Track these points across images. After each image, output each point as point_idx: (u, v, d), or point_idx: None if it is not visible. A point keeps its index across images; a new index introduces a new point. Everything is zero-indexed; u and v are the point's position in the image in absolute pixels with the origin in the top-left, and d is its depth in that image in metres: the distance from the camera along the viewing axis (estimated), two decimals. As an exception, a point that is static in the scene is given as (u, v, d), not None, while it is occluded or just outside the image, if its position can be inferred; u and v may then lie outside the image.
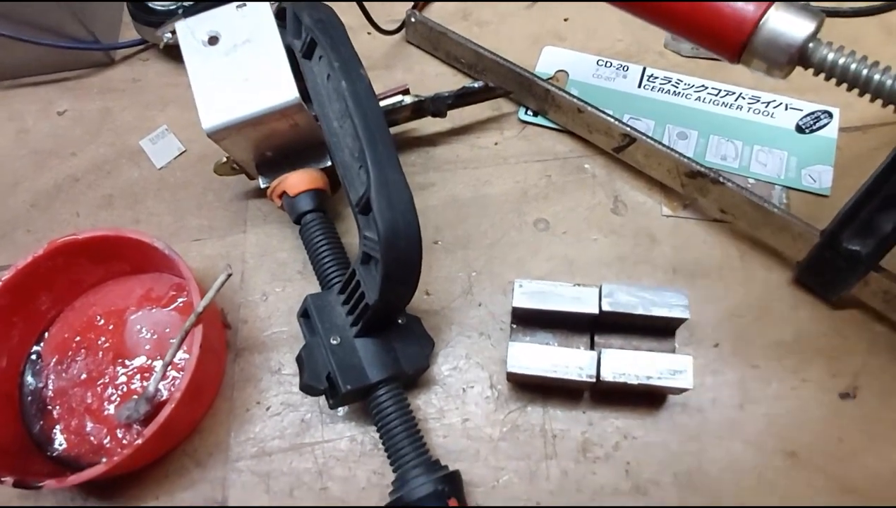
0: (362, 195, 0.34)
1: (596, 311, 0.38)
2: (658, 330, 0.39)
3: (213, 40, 0.40)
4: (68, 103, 0.56)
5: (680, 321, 0.38)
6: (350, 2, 0.50)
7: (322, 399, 0.42)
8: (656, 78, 0.52)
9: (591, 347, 0.40)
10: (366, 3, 0.51)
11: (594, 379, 0.37)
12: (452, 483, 0.35)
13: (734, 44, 0.34)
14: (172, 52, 0.57)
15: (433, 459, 0.37)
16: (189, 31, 0.40)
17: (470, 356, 0.43)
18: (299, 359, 0.38)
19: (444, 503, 0.34)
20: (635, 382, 0.36)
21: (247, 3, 0.40)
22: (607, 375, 0.37)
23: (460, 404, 0.42)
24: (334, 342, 0.38)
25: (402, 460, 0.36)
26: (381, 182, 0.33)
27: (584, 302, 0.38)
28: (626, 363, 0.37)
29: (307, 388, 0.38)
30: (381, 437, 0.37)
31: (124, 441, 0.41)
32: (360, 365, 0.37)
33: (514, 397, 0.42)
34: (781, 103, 0.50)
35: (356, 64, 0.36)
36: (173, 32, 0.50)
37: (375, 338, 0.38)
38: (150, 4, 0.53)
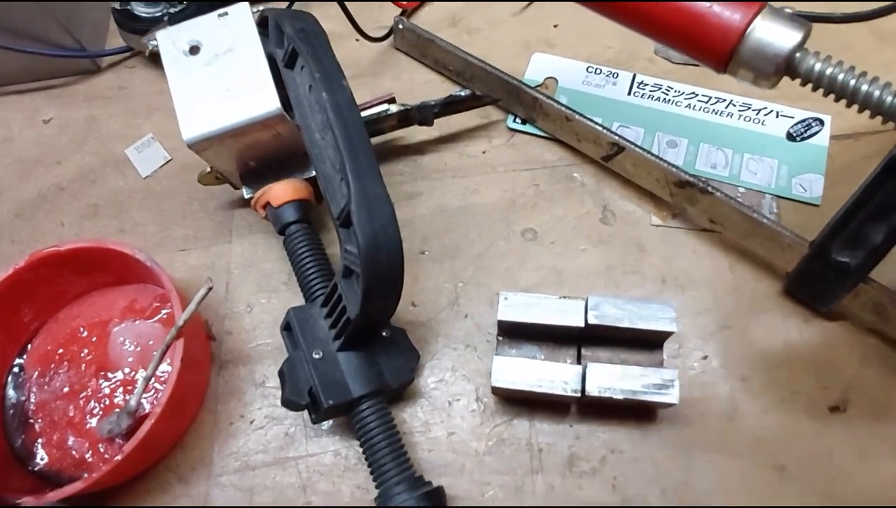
0: (343, 208, 0.34)
1: (582, 324, 0.37)
2: (645, 342, 0.39)
3: (194, 50, 0.39)
4: (54, 111, 0.56)
5: (667, 334, 0.37)
6: (331, 1, 0.50)
7: (306, 413, 0.41)
8: (646, 85, 0.51)
9: (578, 360, 0.39)
10: (355, 5, 0.51)
11: (579, 394, 0.36)
12: (436, 499, 0.35)
13: (720, 53, 0.34)
14: (158, 60, 0.55)
15: (417, 475, 0.36)
16: (170, 41, 0.39)
17: (456, 368, 0.43)
18: (281, 374, 0.38)
19: (427, 520, 0.34)
20: (621, 397, 0.36)
21: (229, 12, 0.39)
22: (592, 390, 0.36)
23: (446, 417, 0.41)
24: (316, 356, 0.37)
25: (385, 476, 0.35)
26: (361, 194, 0.33)
27: (569, 314, 0.38)
28: (611, 377, 0.36)
29: (289, 403, 0.37)
30: (363, 453, 0.37)
31: (106, 456, 0.41)
32: (343, 380, 0.37)
33: (500, 410, 0.41)
34: (772, 111, 0.49)
35: (338, 75, 0.36)
36: (159, 40, 0.50)
37: (359, 352, 0.38)
38: (136, 12, 0.52)
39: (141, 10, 0.52)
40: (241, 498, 0.40)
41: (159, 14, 0.53)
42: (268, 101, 0.38)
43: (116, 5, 0.53)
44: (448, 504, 0.36)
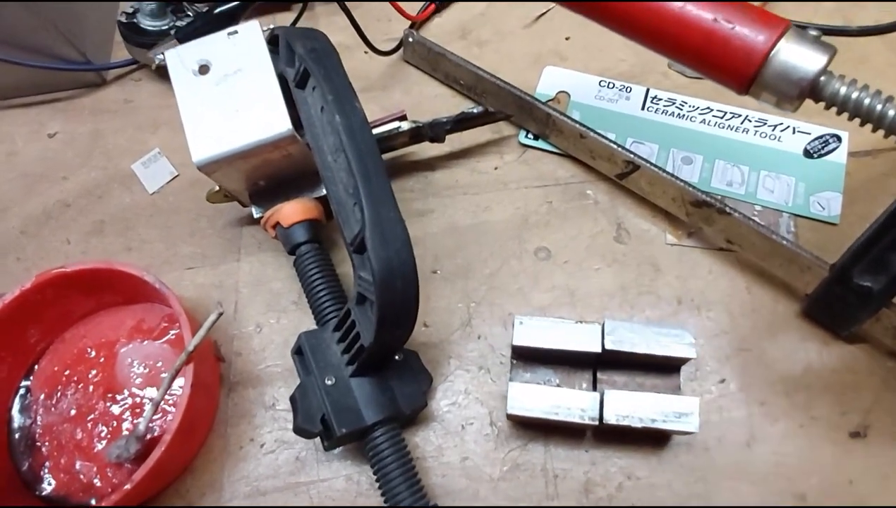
0: (357, 234, 0.33)
1: (598, 350, 0.37)
2: (662, 367, 0.38)
3: (203, 69, 0.39)
4: (59, 125, 0.55)
5: (685, 360, 0.37)
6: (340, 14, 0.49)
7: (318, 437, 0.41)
8: (660, 99, 0.50)
9: (594, 385, 0.39)
10: (364, 18, 0.50)
11: (597, 422, 0.36)
12: (451, 530, 0.34)
13: (743, 76, 0.33)
14: (165, 73, 0.55)
15: (431, 504, 0.35)
16: (179, 60, 0.38)
17: (469, 391, 0.42)
18: (293, 400, 0.37)
19: (442, 552, 0.33)
20: (639, 426, 0.35)
21: (238, 30, 0.39)
22: (610, 418, 0.35)
23: (459, 441, 0.40)
24: (329, 382, 0.36)
25: (398, 504, 0.35)
26: (375, 221, 0.32)
27: (586, 339, 0.37)
28: (629, 405, 0.36)
29: (301, 431, 0.36)
30: (377, 480, 0.36)
31: (115, 480, 0.40)
32: (356, 407, 0.36)
33: (514, 434, 0.40)
34: (789, 127, 0.48)
35: (350, 96, 0.35)
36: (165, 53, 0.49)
37: (372, 378, 0.37)
38: (142, 25, 0.52)
39: (147, 23, 0.52)
40: (252, 524, 0.39)
41: (166, 27, 0.52)
42: (279, 122, 0.37)
43: (122, 18, 0.52)
44: (463, 534, 0.36)
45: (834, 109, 0.34)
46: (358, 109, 0.35)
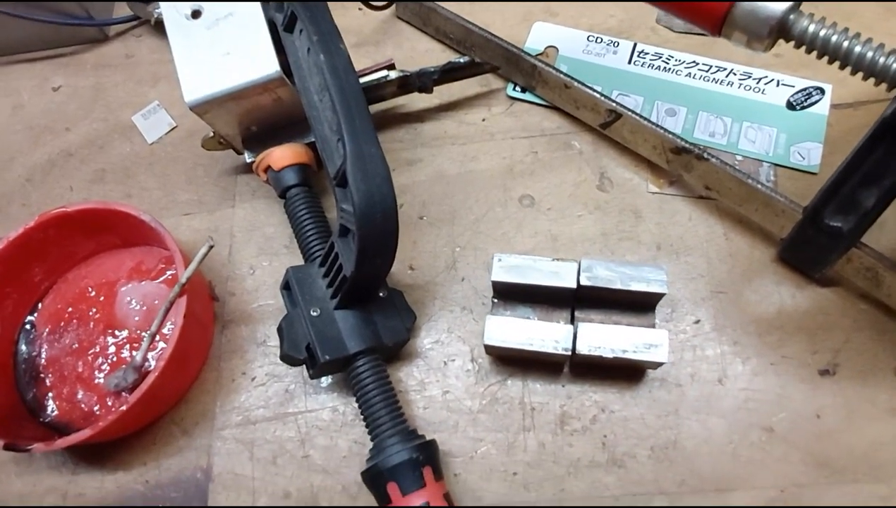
0: (339, 167, 0.34)
1: (574, 286, 0.38)
2: (637, 305, 0.39)
3: (196, 14, 0.40)
4: (63, 79, 0.57)
5: (658, 296, 0.38)
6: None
7: (305, 370, 0.43)
8: (647, 54, 0.51)
9: (572, 321, 0.40)
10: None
11: (570, 352, 0.37)
12: (428, 451, 0.36)
13: (715, 16, 0.34)
14: (164, 29, 0.57)
15: (410, 429, 0.37)
16: (172, 5, 0.40)
17: (452, 330, 0.43)
18: (280, 330, 0.39)
19: (419, 471, 0.35)
20: (610, 356, 0.36)
21: (229, -24, 0.40)
22: (583, 348, 0.37)
23: (441, 377, 0.42)
24: (314, 313, 0.38)
25: (380, 429, 0.37)
26: (357, 155, 0.33)
27: (562, 276, 0.38)
28: (602, 337, 0.37)
29: (286, 358, 0.38)
30: (359, 407, 0.38)
31: (114, 409, 0.42)
32: (340, 337, 0.38)
33: (494, 371, 0.42)
34: (773, 79, 0.49)
35: (336, 38, 0.36)
36: (164, 8, 0.50)
37: (355, 311, 0.39)
38: (142, -20, 0.53)
39: (146, -23, 0.53)
40: (242, 451, 0.41)
41: (165, -18, 0.53)
42: (268, 64, 0.39)
43: (123, -27, 0.53)
44: (441, 459, 0.37)
45: (806, 50, 0.34)
46: (342, 50, 0.36)
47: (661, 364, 0.37)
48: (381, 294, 0.40)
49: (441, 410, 0.41)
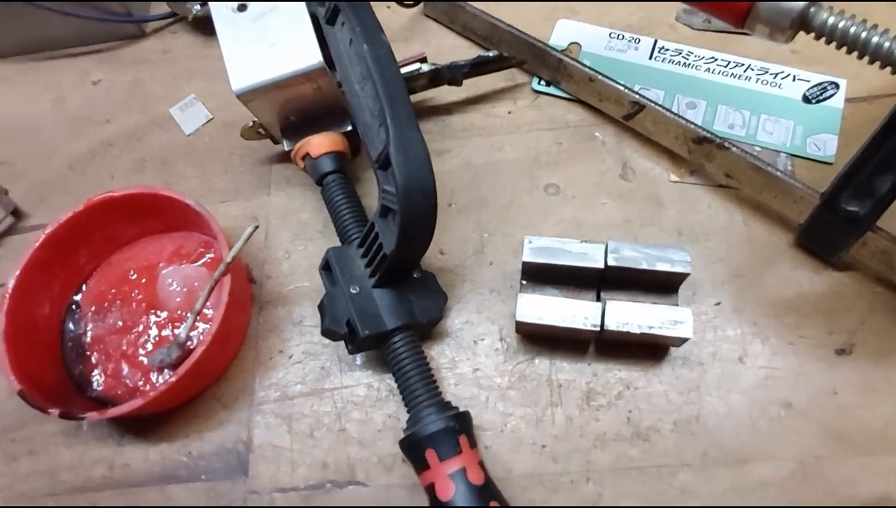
0: (381, 151, 0.36)
1: (601, 266, 0.40)
2: (661, 285, 0.41)
3: (242, 8, 0.42)
4: (102, 74, 0.59)
5: (682, 276, 0.40)
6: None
7: (340, 348, 0.45)
8: (667, 50, 0.53)
9: (598, 301, 0.42)
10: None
11: (598, 329, 0.39)
12: (463, 420, 0.38)
13: (737, 9, 0.36)
14: (200, 25, 0.59)
15: (445, 400, 0.39)
16: (220, -1, 0.42)
17: (481, 311, 0.45)
18: (321, 306, 0.41)
19: (456, 439, 0.36)
20: (637, 331, 0.38)
21: (274, -29, 0.42)
22: (611, 324, 0.39)
23: (471, 355, 0.44)
24: (354, 291, 0.40)
25: (416, 400, 0.38)
26: (399, 139, 0.35)
27: (590, 257, 0.40)
28: (629, 313, 0.39)
29: (328, 333, 0.40)
30: (396, 380, 0.40)
31: (157, 384, 0.44)
32: (378, 313, 0.40)
33: (522, 349, 0.44)
34: (789, 74, 0.51)
35: (377, 29, 0.38)
36: (202, 5, 0.53)
37: (392, 289, 0.41)
38: (181, -22, 0.55)
39: (185, -24, 0.55)
40: (281, 424, 0.43)
41: (202, -20, 0.56)
42: (311, 55, 0.41)
43: (163, -28, 0.56)
44: (473, 429, 0.39)
45: (825, 41, 0.36)
46: (384, 41, 0.38)
47: (685, 339, 0.38)
48: (415, 275, 0.42)
49: (471, 387, 0.43)
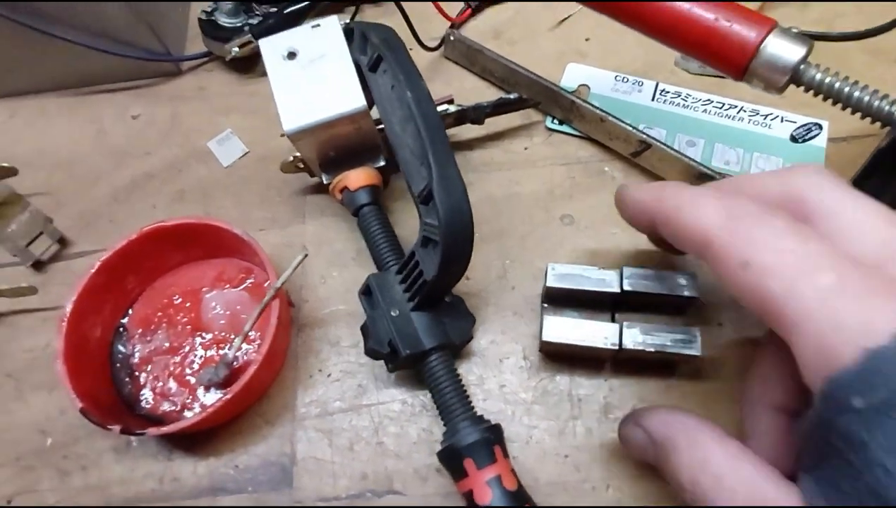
0: (424, 187, 0.40)
1: (618, 290, 0.44)
2: (671, 308, 0.45)
3: (291, 55, 0.46)
4: (141, 108, 0.63)
5: (690, 299, 0.44)
6: (393, 11, 0.57)
7: (376, 367, 0.48)
8: (668, 92, 0.58)
9: (613, 322, 0.46)
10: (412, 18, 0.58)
11: (617, 347, 0.43)
12: (496, 432, 0.41)
13: (738, 65, 0.41)
14: (235, 65, 0.63)
15: (479, 414, 0.43)
16: (271, 47, 0.46)
17: (505, 332, 0.49)
18: (364, 328, 0.44)
19: (491, 448, 0.40)
20: (651, 349, 0.42)
21: (321, 24, 0.47)
22: (629, 344, 0.43)
23: (497, 373, 0.48)
24: (394, 314, 0.44)
25: (453, 414, 0.42)
26: (441, 176, 0.40)
27: (607, 282, 0.44)
28: (643, 334, 0.43)
29: (372, 352, 0.44)
30: (433, 395, 0.44)
31: (204, 402, 0.47)
32: (416, 334, 0.44)
33: (543, 367, 0.48)
34: (777, 116, 0.56)
35: (417, 76, 0.43)
36: (240, 46, 0.57)
37: (428, 313, 0.44)
38: (220, 22, 0.60)
39: (224, 20, 0.60)
40: (322, 438, 0.46)
41: (239, 24, 0.60)
42: (356, 99, 0.45)
43: (203, 16, 0.60)
44: (505, 440, 0.43)
45: (813, 94, 0.41)
46: (424, 86, 0.42)
47: (696, 357, 0.43)
48: (447, 299, 0.46)
49: (499, 401, 0.47)
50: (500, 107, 0.54)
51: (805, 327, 0.24)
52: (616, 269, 0.45)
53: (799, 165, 0.31)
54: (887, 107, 0.39)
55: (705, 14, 0.41)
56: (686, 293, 0.44)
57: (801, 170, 0.31)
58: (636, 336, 0.43)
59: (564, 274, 0.45)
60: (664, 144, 0.51)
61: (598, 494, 0.43)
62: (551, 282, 0.45)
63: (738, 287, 0.28)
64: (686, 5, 0.41)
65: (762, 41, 0.40)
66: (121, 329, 0.51)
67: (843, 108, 0.41)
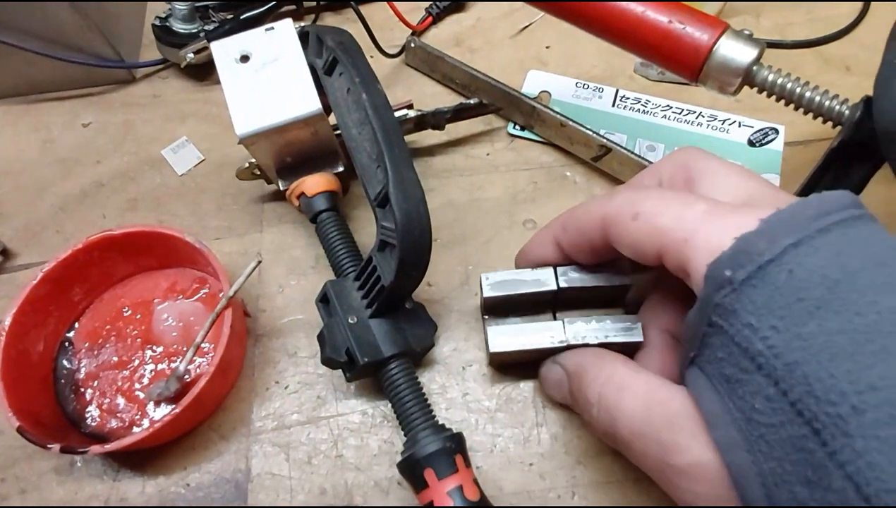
0: (380, 190, 0.40)
1: (555, 288, 0.42)
2: (608, 299, 0.44)
3: (244, 58, 0.45)
4: (92, 116, 0.61)
5: (625, 288, 0.42)
6: (352, 18, 0.56)
7: (335, 377, 0.47)
8: (628, 98, 0.59)
9: (555, 320, 0.44)
10: (371, 25, 0.58)
11: (566, 344, 0.41)
12: (457, 441, 0.40)
13: (692, 67, 0.41)
14: (191, 71, 0.62)
15: (440, 422, 0.41)
16: (223, 50, 0.45)
17: (468, 339, 0.48)
18: (321, 336, 0.43)
19: (452, 458, 0.39)
20: (595, 342, 0.41)
21: (275, 27, 0.46)
22: (572, 339, 0.41)
23: (460, 380, 0.47)
24: (352, 321, 0.42)
25: (413, 423, 0.41)
26: (397, 179, 0.39)
27: (543, 282, 0.42)
28: (585, 327, 0.41)
29: (328, 361, 0.42)
30: (392, 405, 0.42)
31: (154, 418, 0.45)
32: (375, 342, 0.42)
33: (507, 374, 0.47)
34: (735, 121, 0.57)
35: (374, 79, 0.42)
36: (195, 53, 0.56)
37: (387, 319, 0.43)
38: (174, 28, 0.58)
39: (179, 26, 0.58)
40: (279, 453, 0.45)
41: (195, 30, 0.59)
42: (310, 102, 0.44)
43: (157, 22, 0.58)
44: (467, 449, 0.42)
45: (766, 95, 0.42)
46: (380, 89, 0.42)
47: (639, 343, 0.41)
48: (407, 306, 0.45)
49: (461, 410, 0.46)
50: (460, 113, 0.54)
51: (694, 239, 0.29)
52: (550, 267, 0.43)
53: (682, 147, 0.38)
54: (838, 107, 0.40)
55: (659, 17, 0.41)
56: (619, 282, 0.42)
57: (684, 148, 0.37)
58: (579, 330, 0.41)
59: (499, 282, 0.43)
60: (624, 148, 0.51)
61: (564, 502, 0.42)
62: (487, 293, 0.43)
63: (634, 236, 0.32)
64: (640, 8, 0.42)
65: (715, 43, 0.40)
66: (66, 343, 0.49)
67: (796, 109, 0.41)
